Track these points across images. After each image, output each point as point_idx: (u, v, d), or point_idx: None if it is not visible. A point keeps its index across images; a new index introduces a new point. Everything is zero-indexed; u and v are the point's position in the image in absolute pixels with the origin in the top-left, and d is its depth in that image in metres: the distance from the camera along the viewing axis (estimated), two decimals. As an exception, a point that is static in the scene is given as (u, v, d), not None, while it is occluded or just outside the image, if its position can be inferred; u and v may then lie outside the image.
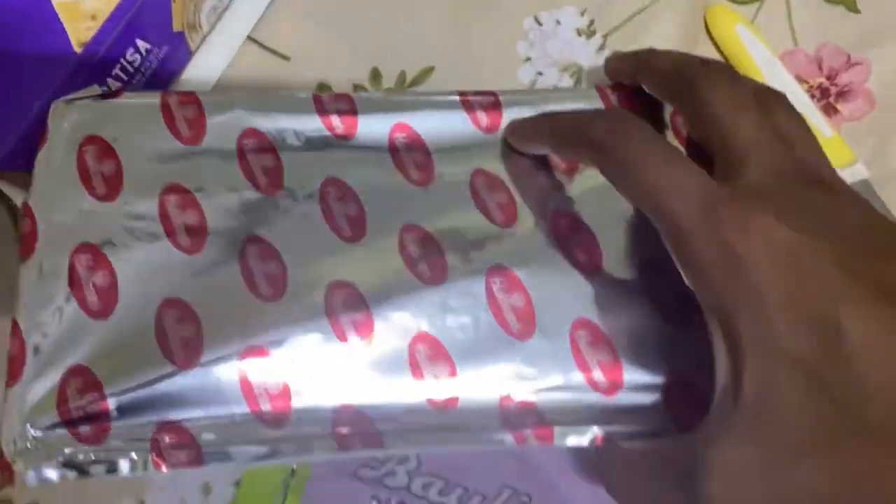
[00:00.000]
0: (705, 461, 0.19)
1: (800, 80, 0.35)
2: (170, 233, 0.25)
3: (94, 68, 0.29)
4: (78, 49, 0.29)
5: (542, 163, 0.27)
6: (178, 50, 0.33)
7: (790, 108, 0.24)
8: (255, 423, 0.22)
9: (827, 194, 0.21)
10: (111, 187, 0.25)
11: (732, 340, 0.19)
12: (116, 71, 0.30)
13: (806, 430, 0.18)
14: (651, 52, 0.28)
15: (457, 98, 0.28)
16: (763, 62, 0.35)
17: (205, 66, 0.34)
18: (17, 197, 0.30)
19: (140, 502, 0.29)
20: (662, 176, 0.21)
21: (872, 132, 0.35)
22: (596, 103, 0.29)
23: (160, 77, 0.33)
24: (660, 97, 0.27)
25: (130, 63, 0.31)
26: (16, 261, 0.24)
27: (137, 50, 0.31)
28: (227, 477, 0.29)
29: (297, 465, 0.28)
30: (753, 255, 0.19)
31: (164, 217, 0.25)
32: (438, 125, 0.28)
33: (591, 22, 0.37)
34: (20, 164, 0.28)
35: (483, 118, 0.28)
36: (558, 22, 0.37)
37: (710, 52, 0.36)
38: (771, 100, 0.24)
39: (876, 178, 0.33)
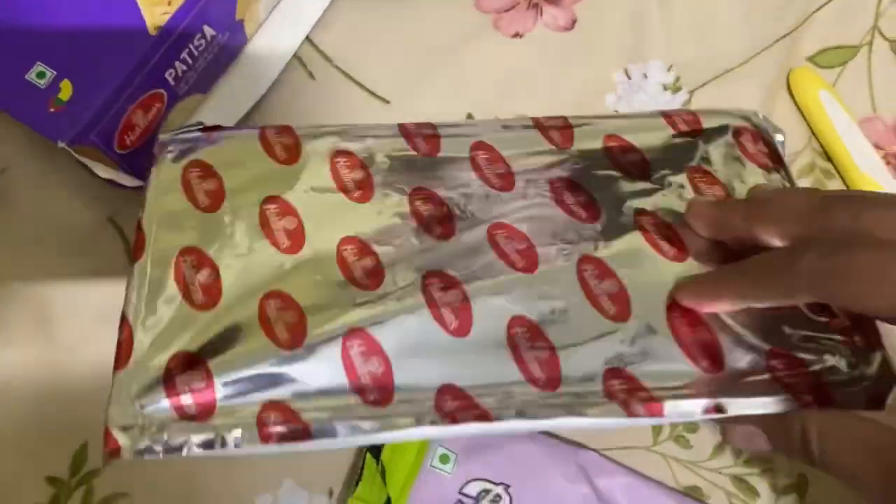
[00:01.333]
0: None
1: (877, 147, 0.37)
2: (269, 235, 0.27)
3: (167, 50, 0.32)
4: (153, 32, 0.31)
5: (619, 171, 0.29)
6: (237, 37, 0.36)
7: None
8: (358, 401, 0.23)
9: None
10: (213, 200, 0.28)
11: None
12: (184, 55, 0.33)
13: None
14: (764, 199, 0.26)
15: (530, 122, 0.31)
16: (843, 128, 0.37)
17: (261, 51, 0.37)
18: (95, 168, 0.32)
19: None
20: None
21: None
22: (662, 130, 0.30)
23: (220, 61, 0.35)
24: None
25: (196, 48, 0.33)
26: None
27: (204, 35, 0.33)
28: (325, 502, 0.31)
29: (394, 496, 0.30)
30: None
31: (265, 224, 0.27)
32: (514, 141, 0.30)
33: (678, 78, 0.38)
34: (94, 139, 0.31)
35: (556, 136, 0.30)
36: (645, 76, 0.38)
37: (790, 114, 0.38)
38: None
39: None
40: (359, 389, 0.24)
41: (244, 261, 0.26)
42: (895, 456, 0.22)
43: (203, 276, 0.26)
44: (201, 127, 0.30)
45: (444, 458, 0.31)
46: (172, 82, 0.33)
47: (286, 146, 0.29)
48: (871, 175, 0.36)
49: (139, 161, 0.33)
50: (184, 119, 0.35)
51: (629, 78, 0.38)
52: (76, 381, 0.32)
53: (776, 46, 0.38)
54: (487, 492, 0.31)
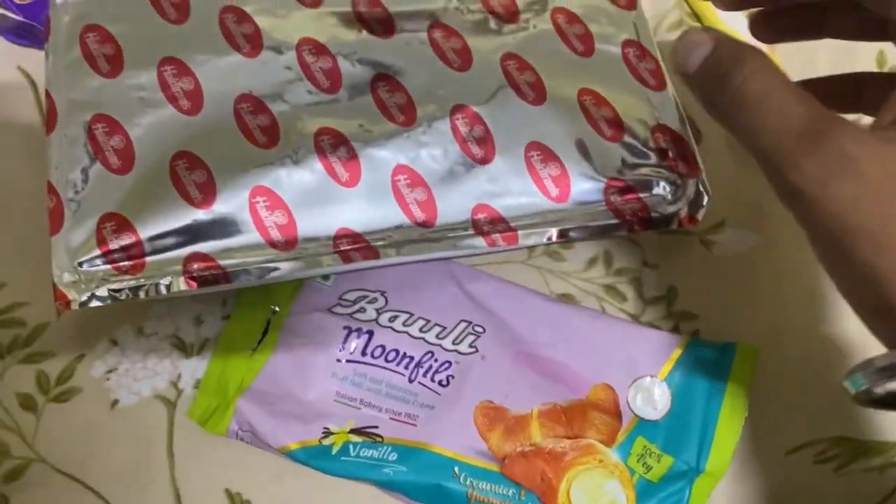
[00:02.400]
0: None
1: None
2: (170, 98, 0.29)
3: None
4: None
5: (488, 14, 0.32)
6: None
7: None
8: (268, 248, 0.27)
9: None
10: (113, 66, 0.29)
11: None
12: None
13: None
14: None
15: None
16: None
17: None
18: None
19: (139, 328, 0.32)
20: None
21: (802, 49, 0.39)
22: None
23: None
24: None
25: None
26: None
27: None
28: (217, 311, 0.33)
29: (278, 306, 0.32)
30: None
31: (164, 85, 0.29)
32: None
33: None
34: None
35: None
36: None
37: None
38: None
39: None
40: (267, 238, 0.27)
41: (149, 123, 0.28)
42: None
43: (115, 141, 0.28)
44: None
45: (325, 276, 0.33)
46: (73, -57, 0.35)
47: (175, 4, 0.31)
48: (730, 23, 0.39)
49: (37, 16, 0.35)
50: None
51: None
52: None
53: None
54: (364, 297, 0.32)
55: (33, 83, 0.36)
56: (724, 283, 0.34)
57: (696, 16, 0.40)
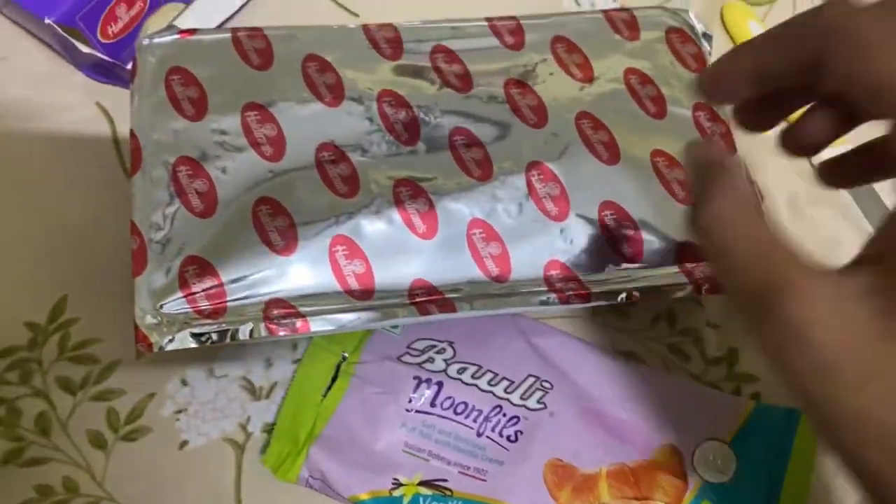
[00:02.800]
0: None
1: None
2: (253, 144, 0.29)
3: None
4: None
5: (564, 72, 0.32)
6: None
7: None
8: (346, 297, 0.27)
9: None
10: (197, 109, 0.30)
11: None
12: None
13: None
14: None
15: (485, 23, 0.33)
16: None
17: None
18: (78, 44, 0.34)
19: (210, 369, 0.33)
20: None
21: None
22: (603, 29, 0.34)
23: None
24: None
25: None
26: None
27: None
28: (287, 355, 0.33)
29: (347, 353, 0.33)
30: None
31: (247, 130, 0.29)
32: (472, 45, 0.33)
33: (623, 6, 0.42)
34: (79, 23, 0.33)
35: (509, 38, 0.33)
36: (592, 3, 0.42)
37: (723, 44, 0.41)
38: None
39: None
40: (345, 287, 0.27)
41: (232, 168, 0.29)
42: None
43: (198, 184, 0.28)
44: (178, 31, 0.32)
45: (393, 326, 0.33)
46: (157, -16, 0.36)
47: (259, 51, 0.32)
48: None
49: (119, 53, 0.36)
50: (162, 24, 0.38)
51: (578, 4, 0.42)
52: (57, 241, 0.34)
53: (711, -18, 0.42)
54: (433, 346, 0.33)
55: (111, 119, 0.37)
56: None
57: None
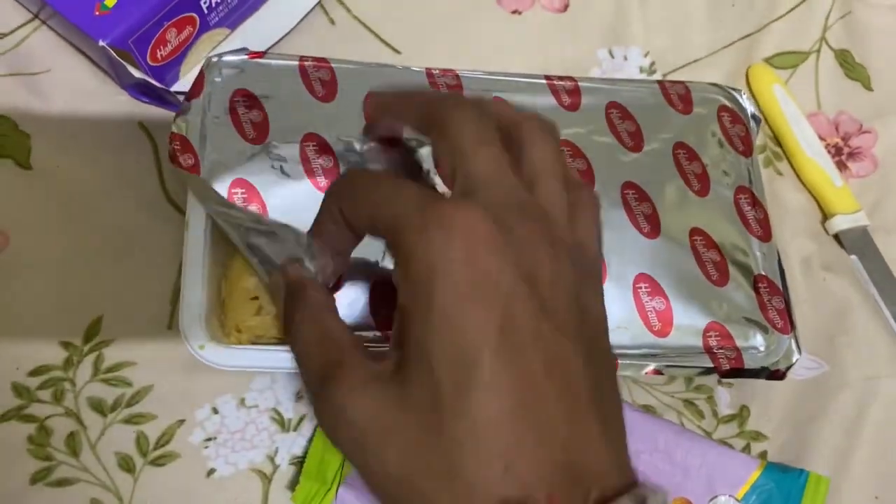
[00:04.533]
0: None
1: (820, 138, 0.42)
2: (309, 173, 0.30)
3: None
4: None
5: (616, 140, 0.33)
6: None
7: (549, 143, 0.23)
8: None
9: (544, 230, 0.21)
10: (259, 133, 0.30)
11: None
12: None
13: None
14: (408, 93, 0.27)
15: (543, 81, 0.34)
16: (793, 118, 0.42)
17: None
18: (130, 68, 0.34)
19: (241, 399, 0.33)
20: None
21: (874, 189, 0.41)
22: (657, 100, 0.35)
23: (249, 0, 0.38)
24: (419, 133, 0.25)
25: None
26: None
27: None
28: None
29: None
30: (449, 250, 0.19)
31: (305, 159, 0.30)
32: (530, 101, 0.33)
33: (653, 63, 0.43)
34: (130, 46, 0.34)
35: (566, 98, 0.34)
36: (626, 58, 0.43)
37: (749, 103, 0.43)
38: (529, 135, 0.23)
39: (873, 228, 0.40)
40: None
41: (286, 195, 0.29)
42: None
43: (252, 209, 0.29)
44: (248, 52, 0.32)
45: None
46: (205, 10, 0.36)
47: (324, 81, 0.32)
48: (815, 159, 0.41)
49: (164, 77, 0.36)
50: (210, 49, 0.38)
51: (612, 57, 0.43)
52: (95, 260, 0.35)
53: (738, 44, 0.44)
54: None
55: (153, 140, 0.37)
56: (794, 407, 0.36)
57: (777, 140, 0.42)
